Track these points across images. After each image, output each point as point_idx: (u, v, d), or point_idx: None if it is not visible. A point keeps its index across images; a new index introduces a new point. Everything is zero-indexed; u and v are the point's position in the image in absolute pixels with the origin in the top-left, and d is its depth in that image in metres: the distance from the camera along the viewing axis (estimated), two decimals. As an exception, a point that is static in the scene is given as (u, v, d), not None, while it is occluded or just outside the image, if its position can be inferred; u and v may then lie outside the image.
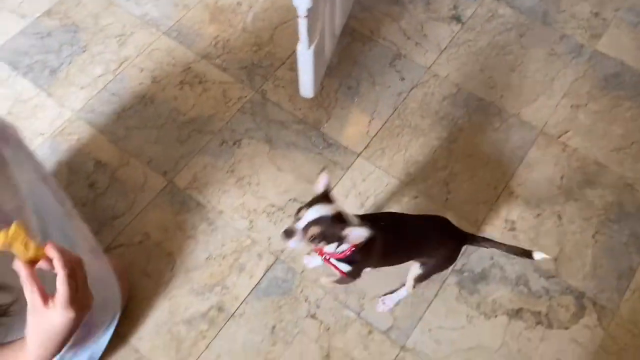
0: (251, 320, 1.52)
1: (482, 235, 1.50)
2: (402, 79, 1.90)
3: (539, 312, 1.54)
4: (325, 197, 1.18)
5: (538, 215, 1.67)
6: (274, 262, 1.60)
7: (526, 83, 1.90)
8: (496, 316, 1.53)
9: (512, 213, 1.68)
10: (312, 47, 1.58)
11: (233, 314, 1.53)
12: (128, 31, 1.99)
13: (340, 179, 1.73)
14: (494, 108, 1.85)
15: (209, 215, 1.67)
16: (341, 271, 1.28)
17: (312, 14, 1.45)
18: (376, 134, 1.81)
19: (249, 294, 1.56)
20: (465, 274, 1.59)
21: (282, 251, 1.62)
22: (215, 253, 1.62)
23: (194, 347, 1.49)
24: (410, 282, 1.44)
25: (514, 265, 1.59)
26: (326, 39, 1.77)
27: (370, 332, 1.51)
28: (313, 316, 1.53)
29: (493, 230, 1.65)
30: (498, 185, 1.73)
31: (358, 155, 1.77)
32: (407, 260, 1.39)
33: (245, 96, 1.86)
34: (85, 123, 1.82)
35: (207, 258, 1.61)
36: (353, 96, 1.87)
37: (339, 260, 1.25)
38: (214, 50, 1.95)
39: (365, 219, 1.22)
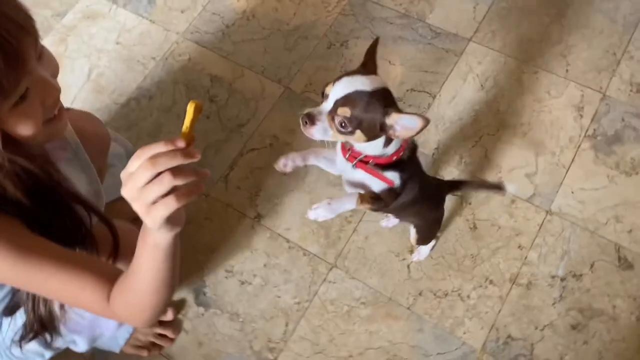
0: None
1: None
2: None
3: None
4: (364, 68, 0.92)
5: (663, 74, 1.65)
6: (404, 149, 1.62)
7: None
8: (637, 173, 1.53)
9: (636, 75, 1.65)
10: None
11: (373, 199, 1.56)
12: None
13: (455, 65, 1.73)
14: (600, -22, 1.81)
15: (331, 113, 1.69)
16: (386, 179, 1.00)
17: None
18: (483, 18, 1.79)
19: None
20: (599, 137, 1.59)
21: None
22: (344, 147, 1.64)
23: (341, 231, 1.53)
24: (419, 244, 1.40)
25: (647, 124, 1.58)
26: None
27: (513, 202, 1.52)
28: (452, 193, 1.55)
29: (619, 95, 1.64)
30: (617, 51, 1.70)
31: (469, 40, 1.76)
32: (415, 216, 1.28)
33: (344, -1, 1.86)
34: (192, 43, 1.85)
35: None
36: (453, -15, 1.85)
37: (380, 167, 0.98)
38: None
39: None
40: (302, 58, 1.79)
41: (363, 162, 0.99)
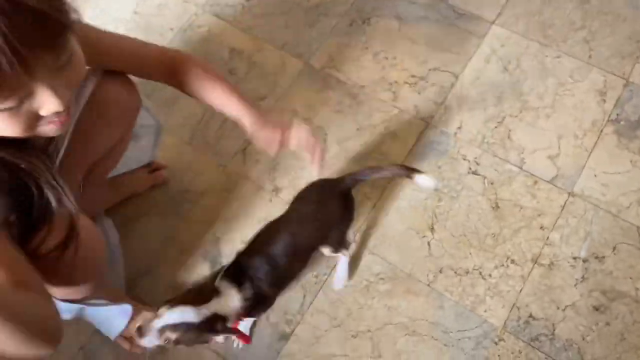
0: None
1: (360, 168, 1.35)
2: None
3: None
4: (200, 295, 1.05)
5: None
6: (425, 128, 1.60)
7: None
8: (661, 159, 1.52)
9: (660, 63, 1.65)
10: None
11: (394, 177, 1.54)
12: None
13: (478, 47, 1.71)
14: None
15: (352, 91, 1.67)
16: (245, 337, 1.19)
17: None
18: (507, 1, 1.78)
19: (405, 158, 1.56)
20: (622, 122, 1.58)
21: (431, 117, 1.62)
22: (365, 124, 1.62)
23: (361, 207, 1.51)
24: (337, 254, 1.33)
25: (671, 110, 1.58)
26: None
27: (535, 183, 1.51)
28: (475, 172, 1.53)
29: (643, 81, 1.63)
30: (640, 38, 1.69)
31: (492, 23, 1.75)
32: (315, 250, 1.26)
33: (368, -23, 1.84)
34: (211, 16, 1.82)
35: (357, 129, 1.62)
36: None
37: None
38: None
39: (236, 269, 1.13)
40: (323, 35, 1.77)
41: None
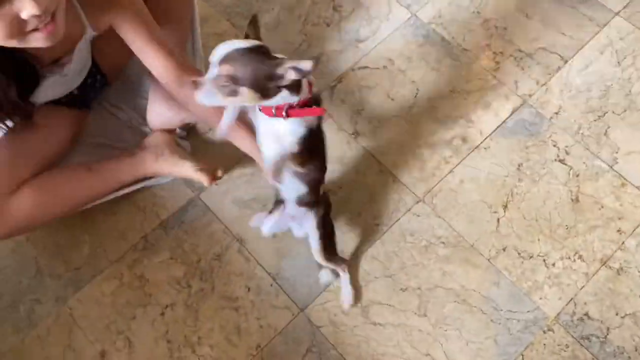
0: (496, 155, 1.49)
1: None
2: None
3: None
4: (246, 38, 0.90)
5: None
6: (521, 105, 1.55)
7: None
8: None
9: None
10: None
11: (478, 146, 1.51)
12: None
13: (595, 35, 1.63)
14: None
15: (454, 51, 1.63)
16: (315, 110, 0.96)
17: None
18: (638, -6, 1.67)
19: (494, 131, 1.52)
20: None
21: (530, 95, 1.56)
22: (460, 88, 1.58)
23: (437, 169, 1.49)
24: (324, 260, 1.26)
25: None
26: None
27: (623, 185, 1.44)
28: (562, 161, 1.48)
29: None
30: None
31: (616, 14, 1.65)
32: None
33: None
34: (328, -52, 1.79)
35: (451, 91, 1.58)
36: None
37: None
38: None
39: None
40: (437, -11, 1.72)
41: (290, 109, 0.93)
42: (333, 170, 1.48)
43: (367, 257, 1.40)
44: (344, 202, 1.45)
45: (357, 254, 1.40)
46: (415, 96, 1.58)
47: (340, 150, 1.52)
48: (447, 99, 1.57)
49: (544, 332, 1.31)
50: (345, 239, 1.41)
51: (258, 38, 0.91)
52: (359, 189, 1.47)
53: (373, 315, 1.34)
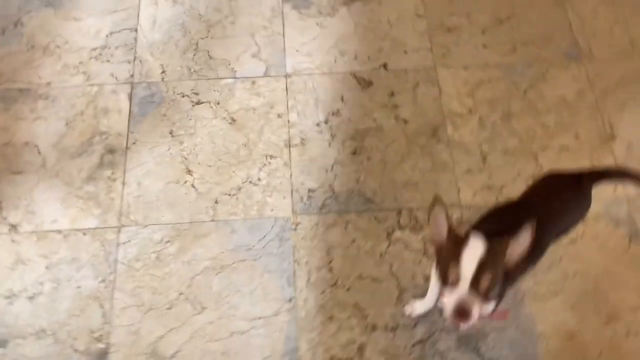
0: (147, 139, 1.47)
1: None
2: None
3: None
4: (452, 236, 0.88)
5: None
6: (132, 89, 1.54)
7: None
8: (337, 10, 1.66)
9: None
10: None
11: (128, 147, 1.46)
12: None
13: (140, -6, 1.67)
14: None
15: (39, 93, 1.52)
16: (498, 314, 1.01)
17: None
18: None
19: (129, 121, 1.49)
20: (294, -2, 1.68)
21: (131, 75, 1.55)
22: (71, 115, 1.50)
23: (110, 192, 1.40)
24: None
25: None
26: None
27: (253, 83, 1.55)
28: (198, 102, 1.53)
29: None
30: None
31: (141, -32, 1.72)
32: (554, 237, 1.13)
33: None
34: None
35: (67, 124, 1.49)
36: None
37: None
38: None
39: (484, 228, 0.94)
40: (-22, 55, 1.56)
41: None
42: (19, 273, 1.29)
43: (119, 314, 1.28)
44: (54, 291, 1.28)
45: (107, 320, 1.26)
46: (41, 155, 1.45)
47: (11, 253, 1.32)
48: (69, 133, 1.47)
49: (295, 230, 1.36)
50: (85, 319, 1.25)
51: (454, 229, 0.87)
52: (61, 268, 1.31)
53: (165, 347, 1.23)
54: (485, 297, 0.84)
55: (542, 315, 1.28)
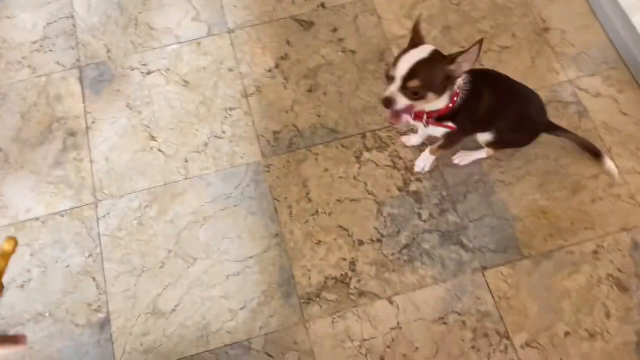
0: (106, 115, 1.48)
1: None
2: None
3: None
4: (413, 43, 1.01)
5: None
6: (81, 72, 1.54)
7: None
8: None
9: None
10: None
11: (88, 127, 1.47)
12: None
13: (68, -19, 1.67)
14: None
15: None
16: (449, 126, 1.13)
17: None
18: None
19: (84, 102, 1.49)
20: (222, -42, 1.71)
21: (77, 59, 1.55)
22: (24, 108, 1.49)
23: (80, 171, 1.41)
24: (484, 146, 1.32)
25: None
26: None
27: (198, 44, 1.57)
28: (149, 72, 1.54)
29: None
30: None
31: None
32: (493, 127, 1.23)
33: None
34: None
35: (21, 117, 1.48)
36: None
37: (442, 118, 1.11)
38: None
39: (473, 73, 1.08)
40: None
41: (428, 120, 1.11)
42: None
43: (113, 282, 1.29)
44: (44, 274, 1.28)
45: (102, 290, 1.27)
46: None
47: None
48: (28, 125, 1.46)
49: (268, 171, 1.40)
50: (81, 293, 1.26)
51: (421, 38, 1.01)
52: (45, 252, 1.31)
53: (165, 302, 1.26)
54: (413, 94, 0.98)
55: (513, 199, 1.36)
